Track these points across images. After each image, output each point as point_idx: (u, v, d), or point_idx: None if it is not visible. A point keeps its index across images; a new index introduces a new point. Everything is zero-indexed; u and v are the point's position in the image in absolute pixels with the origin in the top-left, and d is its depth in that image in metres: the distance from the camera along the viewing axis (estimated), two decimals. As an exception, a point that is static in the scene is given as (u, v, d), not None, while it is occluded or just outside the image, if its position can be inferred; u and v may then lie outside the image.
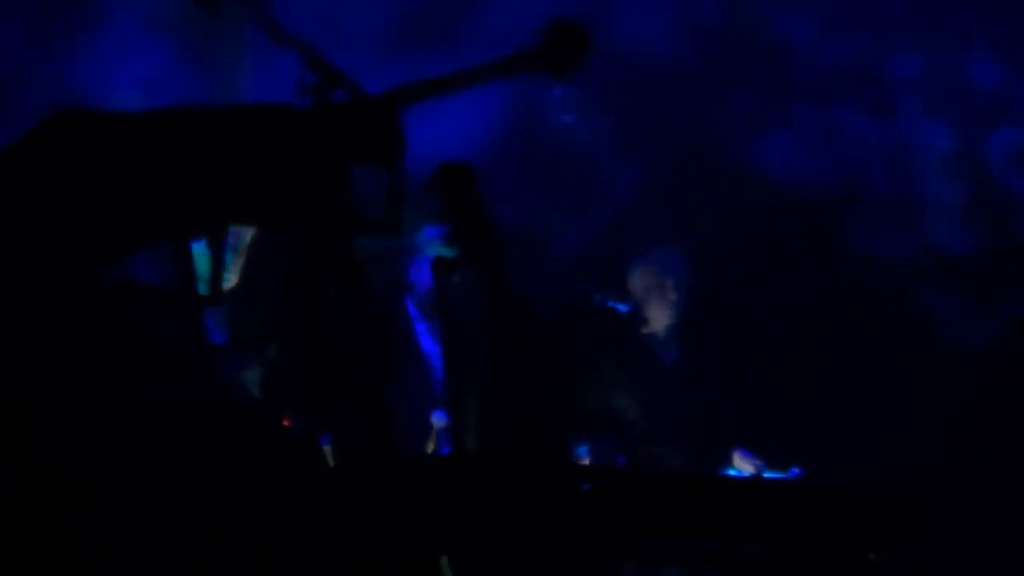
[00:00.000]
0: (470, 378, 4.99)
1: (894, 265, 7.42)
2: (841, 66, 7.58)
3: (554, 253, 7.88)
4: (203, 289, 3.96)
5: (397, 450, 4.60)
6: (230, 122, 3.68)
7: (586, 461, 6.51)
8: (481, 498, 4.55)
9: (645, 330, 7.19)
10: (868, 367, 7.16)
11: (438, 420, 6.45)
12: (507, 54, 3.68)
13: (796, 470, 6.54)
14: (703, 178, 7.68)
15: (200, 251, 3.91)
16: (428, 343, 6.84)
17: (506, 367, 4.89)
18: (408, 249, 6.87)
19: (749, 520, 5.55)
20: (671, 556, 5.24)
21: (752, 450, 6.81)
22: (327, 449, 4.17)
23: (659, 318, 7.18)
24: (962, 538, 5.92)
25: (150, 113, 3.66)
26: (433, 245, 6.54)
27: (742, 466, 6.79)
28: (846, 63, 7.59)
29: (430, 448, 6.41)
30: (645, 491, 5.48)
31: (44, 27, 7.54)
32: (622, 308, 7.19)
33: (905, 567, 5.46)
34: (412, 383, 6.58)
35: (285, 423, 4.26)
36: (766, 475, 6.61)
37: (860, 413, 6.99)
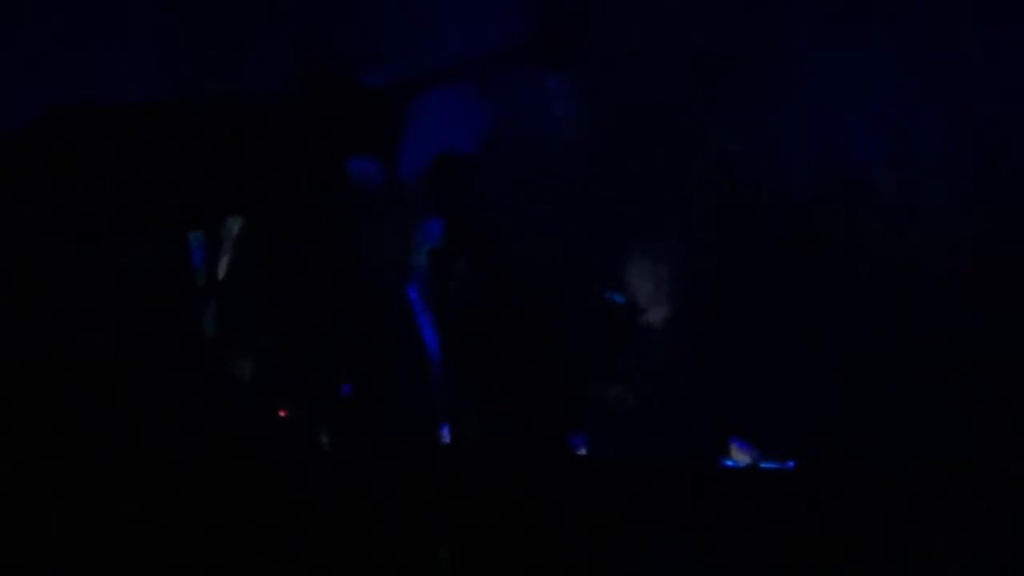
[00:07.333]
0: (468, 367, 5.00)
1: (891, 256, 7.42)
2: (836, 57, 7.59)
3: (551, 244, 7.88)
4: (200, 280, 3.98)
5: (395, 440, 4.61)
6: (227, 114, 3.69)
7: (582, 451, 6.52)
8: (479, 487, 4.57)
9: (642, 321, 7.20)
10: (866, 358, 7.16)
11: (437, 409, 6.45)
12: (503, 46, 3.69)
13: (792, 462, 6.55)
14: (701, 169, 7.68)
15: (196, 243, 3.92)
16: (429, 333, 6.85)
17: (503, 357, 4.90)
18: (407, 239, 6.87)
19: (745, 509, 5.57)
20: (668, 545, 5.26)
21: (748, 441, 6.82)
22: (324, 439, 4.17)
23: (656, 310, 7.18)
24: (959, 531, 5.93)
25: (147, 107, 3.67)
26: (431, 236, 6.55)
27: (739, 457, 6.80)
28: (841, 54, 7.60)
29: (429, 437, 6.41)
30: (642, 481, 5.50)
31: (43, 22, 7.55)
32: (619, 299, 7.20)
33: (900, 557, 5.48)
34: (411, 372, 6.59)
35: (281, 413, 4.27)
36: (762, 466, 6.63)
37: (857, 404, 6.99)
